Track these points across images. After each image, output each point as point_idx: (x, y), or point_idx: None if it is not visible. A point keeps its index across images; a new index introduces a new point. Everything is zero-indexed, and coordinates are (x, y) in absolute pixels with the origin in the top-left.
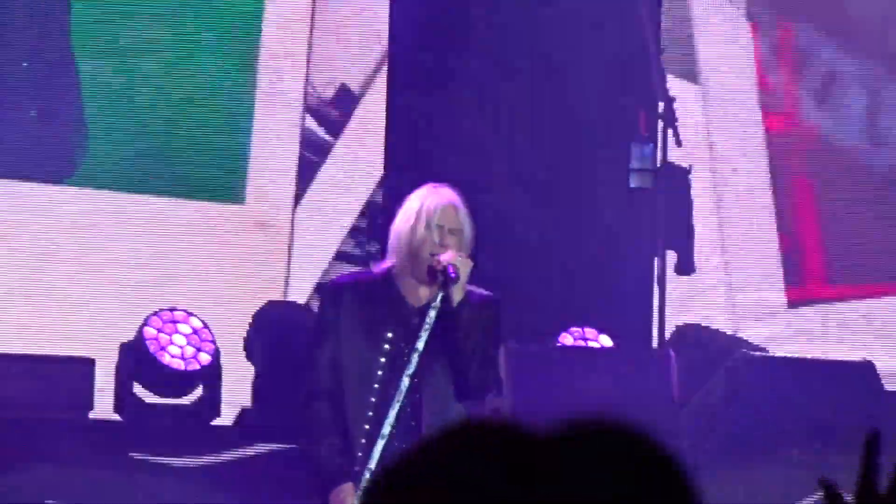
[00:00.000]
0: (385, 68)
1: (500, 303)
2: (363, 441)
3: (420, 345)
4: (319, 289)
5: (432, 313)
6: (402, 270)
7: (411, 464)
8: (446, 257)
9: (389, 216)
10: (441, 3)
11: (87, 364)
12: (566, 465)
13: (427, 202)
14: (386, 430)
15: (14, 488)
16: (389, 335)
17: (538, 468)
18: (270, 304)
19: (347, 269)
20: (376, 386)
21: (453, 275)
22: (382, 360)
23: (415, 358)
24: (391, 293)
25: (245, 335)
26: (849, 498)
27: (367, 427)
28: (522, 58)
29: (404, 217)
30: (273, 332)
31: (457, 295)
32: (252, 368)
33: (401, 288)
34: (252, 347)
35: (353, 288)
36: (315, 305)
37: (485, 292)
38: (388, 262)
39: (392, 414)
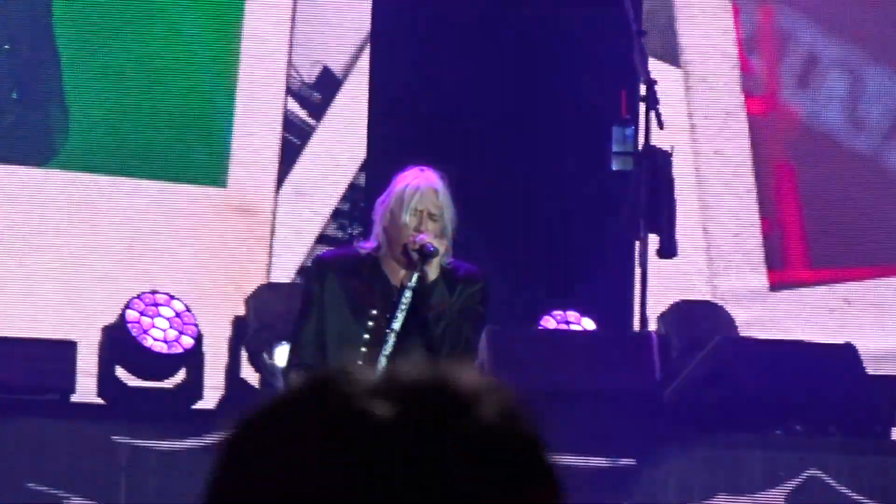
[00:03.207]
0: (367, 50)
1: (485, 279)
2: None
3: (396, 325)
4: (302, 271)
5: (407, 293)
6: (384, 252)
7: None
8: (422, 236)
9: (372, 199)
10: None
11: (69, 347)
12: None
13: (408, 186)
14: None
15: None
16: (374, 312)
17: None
18: (268, 285)
19: None
20: (360, 363)
21: (430, 248)
22: (366, 336)
23: (391, 338)
24: (375, 273)
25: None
26: (832, 482)
27: None
28: (504, 41)
29: (387, 200)
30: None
31: (432, 273)
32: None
33: (384, 268)
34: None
35: (338, 264)
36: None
37: (471, 267)
38: (372, 243)
39: None
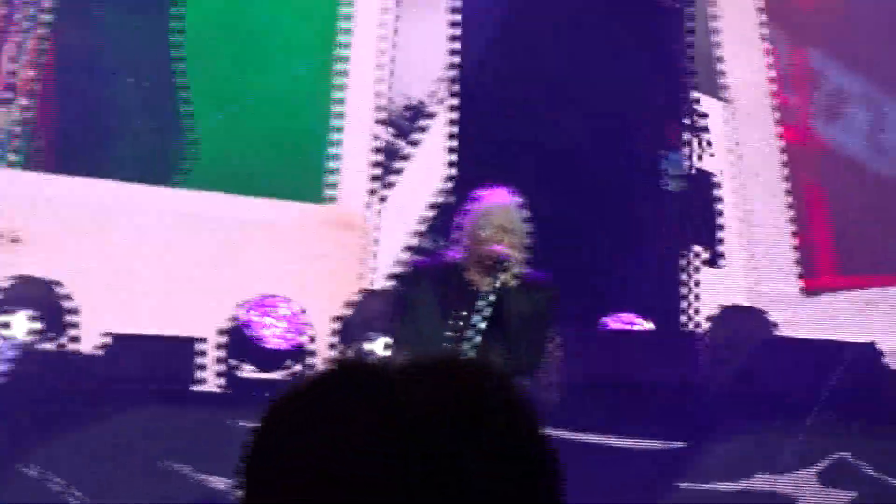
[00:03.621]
0: (453, 85)
1: (554, 286)
2: None
3: (475, 324)
4: (396, 278)
5: (487, 297)
6: (467, 260)
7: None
8: (499, 247)
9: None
10: (501, 29)
11: (191, 343)
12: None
13: (488, 203)
14: None
15: (131, 449)
16: (459, 314)
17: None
18: (366, 290)
19: None
20: None
21: (506, 258)
22: (454, 334)
23: (470, 336)
24: (460, 279)
25: (339, 317)
26: (858, 463)
27: None
28: (574, 77)
29: (469, 216)
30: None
31: (508, 280)
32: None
33: (467, 275)
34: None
35: (429, 271)
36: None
37: (543, 275)
38: (457, 252)
39: None
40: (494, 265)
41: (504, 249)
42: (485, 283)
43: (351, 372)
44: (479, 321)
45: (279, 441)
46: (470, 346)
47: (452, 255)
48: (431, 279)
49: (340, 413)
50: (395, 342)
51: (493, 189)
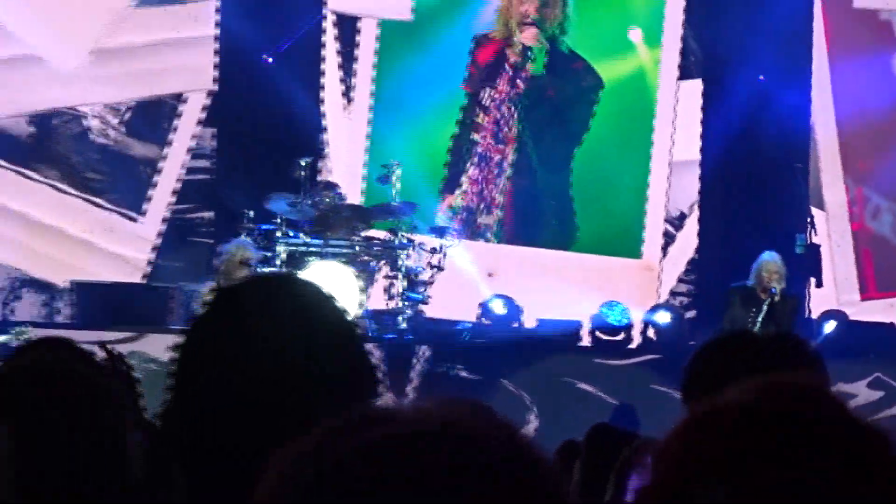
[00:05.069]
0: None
1: (797, 297)
2: None
3: (760, 318)
4: (673, 294)
5: (766, 307)
6: (756, 285)
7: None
8: (772, 285)
9: (701, 264)
10: (719, 168)
11: (576, 323)
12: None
13: (766, 258)
14: None
15: (549, 377)
16: (752, 311)
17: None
18: (657, 304)
19: (685, 287)
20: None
21: (773, 291)
22: (750, 324)
23: (758, 326)
24: (753, 295)
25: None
26: (887, 379)
27: None
28: (766, 206)
29: (757, 266)
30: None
31: (777, 299)
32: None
33: (756, 293)
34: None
35: (739, 291)
36: (668, 304)
37: (790, 292)
38: (749, 281)
39: None
40: (770, 292)
41: (773, 283)
42: (763, 296)
43: (737, 335)
44: (762, 315)
45: (713, 365)
46: (761, 328)
47: (748, 282)
48: (740, 295)
49: (737, 356)
50: (725, 327)
51: (768, 252)
